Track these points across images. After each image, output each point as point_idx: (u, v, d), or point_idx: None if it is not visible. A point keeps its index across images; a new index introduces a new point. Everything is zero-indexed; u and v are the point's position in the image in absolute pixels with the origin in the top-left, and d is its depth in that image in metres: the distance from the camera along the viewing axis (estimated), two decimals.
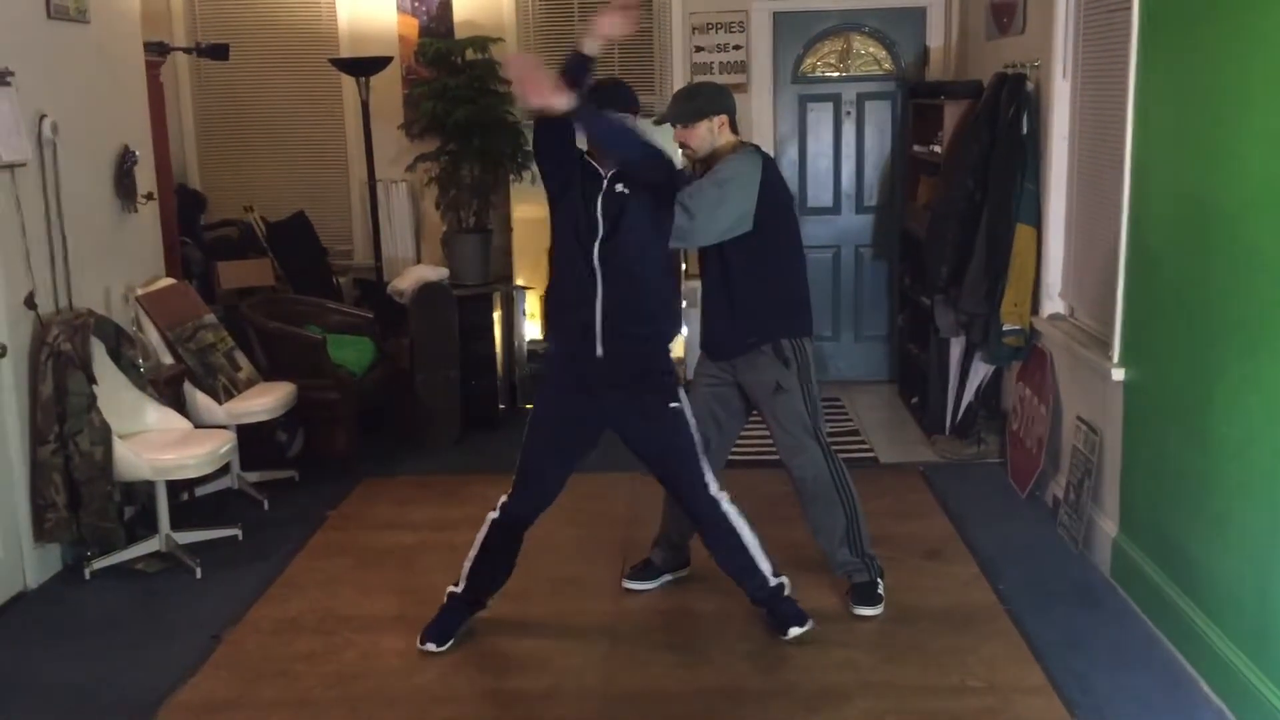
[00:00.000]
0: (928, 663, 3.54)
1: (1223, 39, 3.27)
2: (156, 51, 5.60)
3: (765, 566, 3.67)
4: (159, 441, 4.48)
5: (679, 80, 6.61)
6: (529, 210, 6.53)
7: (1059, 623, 3.77)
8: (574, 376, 3.55)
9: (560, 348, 3.64)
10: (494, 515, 3.65)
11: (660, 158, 3.45)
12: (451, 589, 3.73)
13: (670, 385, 3.58)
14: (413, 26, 6.71)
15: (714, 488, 3.61)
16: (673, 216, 3.57)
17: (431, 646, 3.67)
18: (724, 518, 3.62)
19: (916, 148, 6.24)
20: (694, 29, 6.70)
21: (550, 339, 3.68)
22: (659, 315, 3.60)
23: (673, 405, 3.57)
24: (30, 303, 4.23)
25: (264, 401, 5.06)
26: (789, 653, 3.62)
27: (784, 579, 3.71)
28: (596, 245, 3.46)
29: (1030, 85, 4.93)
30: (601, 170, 3.49)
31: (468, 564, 3.69)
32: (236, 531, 4.66)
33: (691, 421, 3.60)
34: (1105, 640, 3.66)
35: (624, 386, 3.52)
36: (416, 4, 6.68)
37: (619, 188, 3.48)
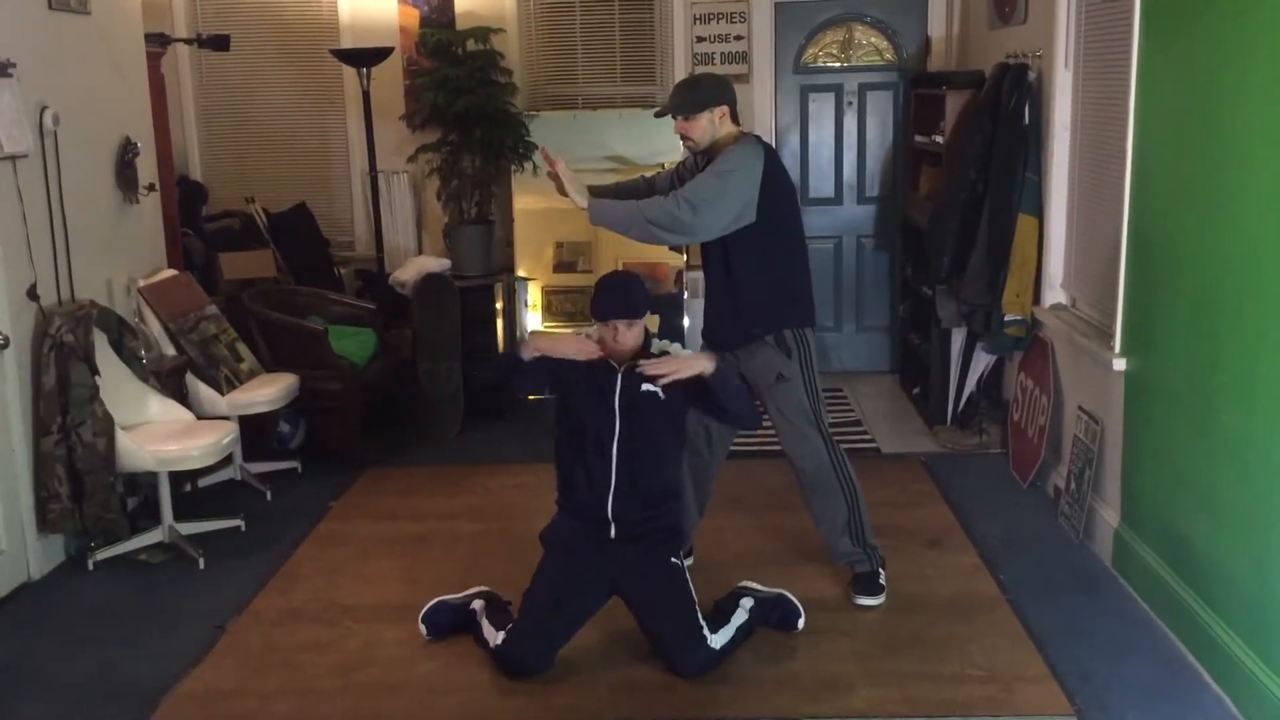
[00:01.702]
0: (929, 652, 3.54)
1: (1224, 29, 3.27)
2: (157, 43, 5.59)
3: (740, 617, 3.60)
4: (162, 433, 4.49)
5: (680, 71, 6.60)
6: (531, 201, 6.53)
7: (1060, 612, 3.78)
8: (584, 549, 3.49)
9: (573, 523, 3.54)
10: (497, 645, 3.48)
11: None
12: (475, 604, 3.69)
13: (675, 543, 3.55)
14: (414, 17, 6.71)
15: (711, 639, 3.45)
16: (683, 405, 3.52)
17: (423, 629, 3.68)
18: (722, 653, 3.46)
19: (918, 138, 6.24)
20: (695, 19, 6.69)
21: (561, 511, 3.58)
22: (671, 490, 3.56)
23: (673, 560, 3.50)
24: (32, 294, 4.24)
25: (266, 392, 5.06)
26: (791, 642, 3.62)
27: (748, 599, 3.65)
28: (615, 444, 3.42)
29: (1032, 75, 4.93)
30: (615, 364, 3.45)
31: (483, 623, 3.60)
32: (239, 522, 4.68)
33: (690, 581, 3.53)
34: (1106, 629, 3.67)
35: (632, 544, 3.48)
36: None
37: (644, 386, 3.41)
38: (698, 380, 3.40)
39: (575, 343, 3.53)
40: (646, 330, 3.53)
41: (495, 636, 3.50)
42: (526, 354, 3.49)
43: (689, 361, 3.42)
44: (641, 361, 3.41)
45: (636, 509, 3.45)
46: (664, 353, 3.49)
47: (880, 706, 3.25)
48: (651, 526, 3.48)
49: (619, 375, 3.45)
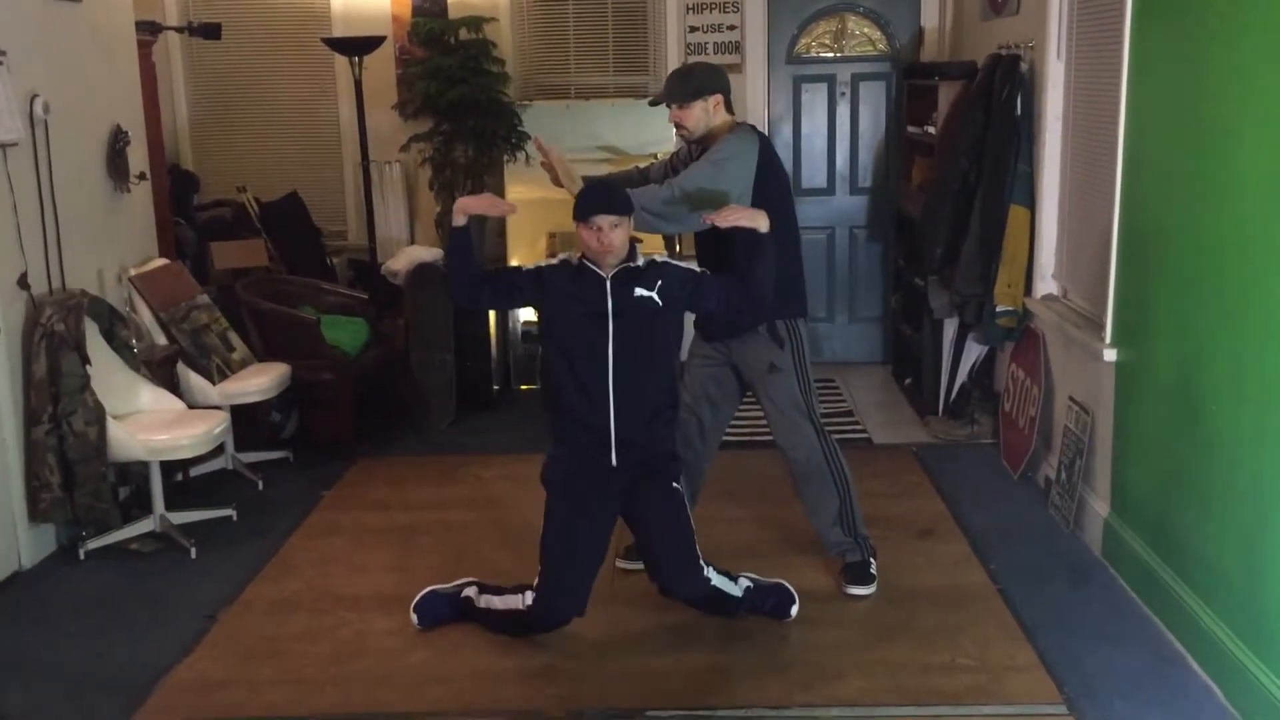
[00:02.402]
0: (920, 641, 3.56)
1: (1215, 20, 3.27)
2: (149, 31, 5.57)
3: (735, 589, 3.61)
4: (153, 422, 4.48)
5: (673, 60, 6.59)
6: (523, 191, 6.51)
7: (1050, 601, 3.80)
8: (586, 480, 3.47)
9: (570, 454, 3.50)
10: (523, 607, 3.51)
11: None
12: (468, 592, 3.68)
13: (674, 469, 3.54)
14: (406, 5, 6.69)
15: (707, 569, 3.50)
16: (682, 310, 3.50)
17: (414, 619, 3.68)
18: (714, 590, 3.53)
19: (911, 129, 6.24)
20: (688, 8, 6.68)
21: (557, 444, 3.53)
22: (670, 408, 3.54)
23: (675, 485, 3.51)
24: (23, 283, 4.23)
25: (258, 382, 5.06)
26: (782, 632, 3.64)
27: (746, 581, 3.65)
28: (610, 354, 3.35)
29: (1024, 66, 4.93)
30: (601, 271, 3.38)
31: (489, 603, 3.60)
32: (231, 512, 4.67)
33: (689, 507, 3.54)
34: (1095, 619, 3.69)
35: (630, 471, 3.46)
36: None
37: (637, 291, 3.37)
38: (750, 233, 3.36)
39: (497, 200, 3.61)
40: (632, 241, 3.44)
41: (523, 598, 3.51)
42: (458, 220, 3.44)
43: (750, 212, 3.39)
44: (711, 216, 3.38)
45: (638, 425, 3.40)
46: (651, 263, 3.44)
47: (871, 695, 3.26)
48: (651, 452, 3.46)
49: (608, 282, 3.37)
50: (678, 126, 3.81)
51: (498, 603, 3.59)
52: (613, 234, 3.34)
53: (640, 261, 3.43)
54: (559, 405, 3.49)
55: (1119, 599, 3.81)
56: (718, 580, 3.54)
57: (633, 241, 3.45)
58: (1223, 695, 3.19)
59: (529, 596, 3.51)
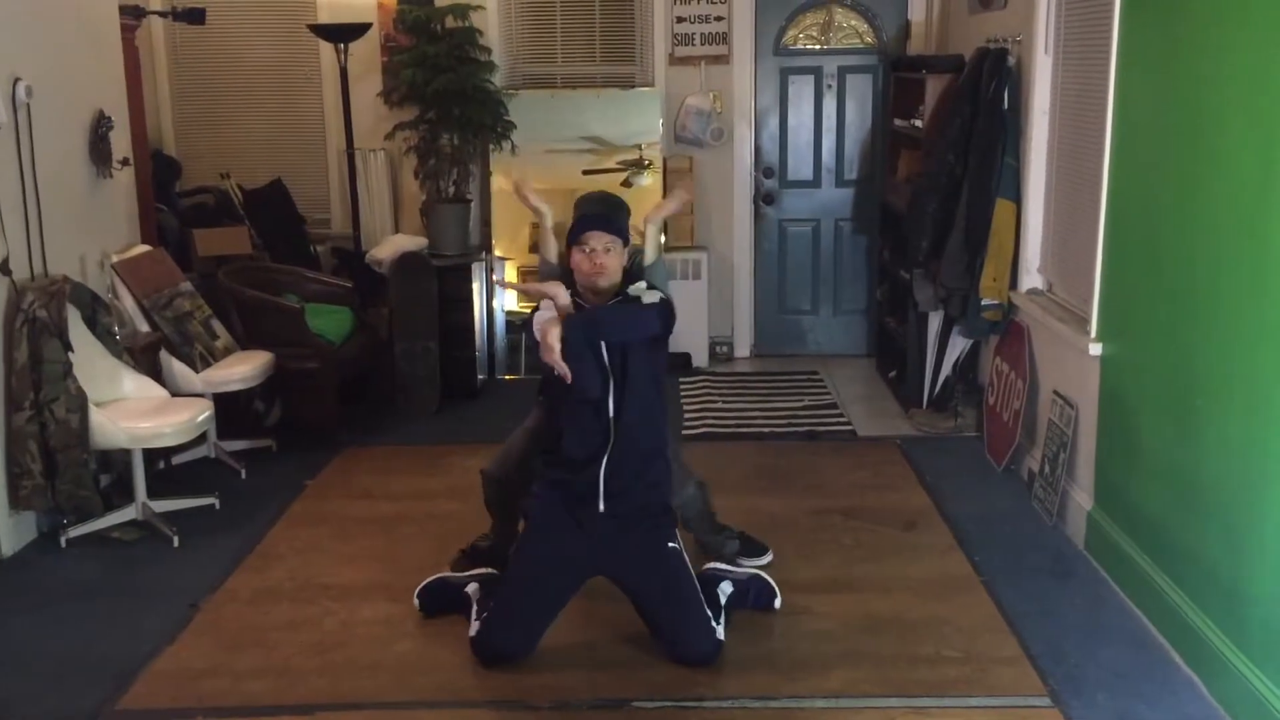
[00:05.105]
0: (905, 633, 3.57)
1: (1204, 15, 3.28)
2: (132, 15, 5.52)
3: (727, 589, 3.57)
4: (135, 410, 4.45)
5: (660, 51, 6.58)
6: (507, 181, 6.49)
7: (1034, 594, 3.81)
8: (569, 520, 3.37)
9: (555, 496, 3.40)
10: (472, 634, 3.43)
11: (663, 316, 3.30)
12: (470, 586, 3.63)
13: (669, 526, 3.45)
14: None
15: (720, 630, 3.40)
16: (664, 353, 3.43)
17: (417, 603, 3.67)
18: (721, 645, 3.39)
19: (897, 121, 6.24)
20: None
21: (544, 483, 3.43)
22: (661, 457, 3.46)
23: (671, 545, 3.39)
24: (4, 268, 4.19)
25: (241, 370, 5.03)
26: (769, 623, 3.64)
27: (726, 583, 3.62)
28: (610, 399, 3.28)
29: (1012, 60, 4.94)
30: (596, 299, 3.33)
31: (472, 612, 3.54)
32: (214, 500, 4.65)
33: (689, 565, 3.42)
34: (1079, 611, 3.70)
35: (619, 522, 3.37)
36: None
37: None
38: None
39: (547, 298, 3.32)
40: (625, 269, 3.37)
41: (473, 626, 3.46)
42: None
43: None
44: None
45: (628, 471, 3.33)
46: (636, 298, 3.33)
47: (856, 686, 3.27)
48: (641, 501, 3.39)
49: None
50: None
51: (474, 615, 3.52)
52: (606, 258, 3.28)
53: (631, 293, 3.32)
54: (557, 441, 3.39)
55: (1102, 592, 3.83)
56: (722, 629, 3.43)
57: (626, 272, 3.37)
58: (1205, 688, 3.21)
59: (474, 627, 3.43)
